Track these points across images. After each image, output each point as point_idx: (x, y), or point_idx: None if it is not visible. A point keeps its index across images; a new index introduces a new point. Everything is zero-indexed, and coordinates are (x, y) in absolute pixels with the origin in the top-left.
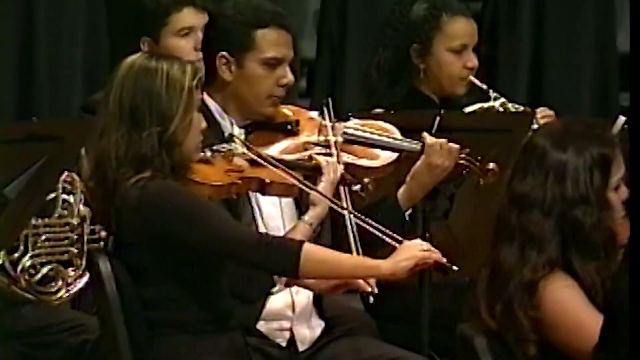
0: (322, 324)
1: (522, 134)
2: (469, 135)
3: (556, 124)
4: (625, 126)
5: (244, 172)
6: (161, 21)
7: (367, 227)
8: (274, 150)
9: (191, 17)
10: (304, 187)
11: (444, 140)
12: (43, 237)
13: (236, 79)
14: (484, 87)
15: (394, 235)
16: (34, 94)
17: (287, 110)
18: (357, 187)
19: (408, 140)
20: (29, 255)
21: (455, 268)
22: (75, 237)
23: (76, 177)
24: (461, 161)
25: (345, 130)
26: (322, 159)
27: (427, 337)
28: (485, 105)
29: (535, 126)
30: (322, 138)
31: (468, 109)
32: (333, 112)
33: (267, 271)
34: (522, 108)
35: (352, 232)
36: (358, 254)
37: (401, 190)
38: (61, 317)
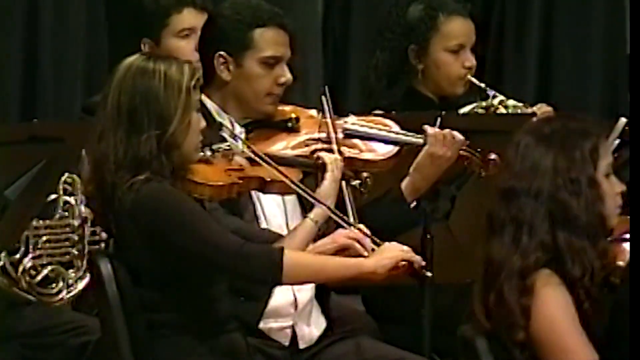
0: (325, 322)
1: None
2: (470, 137)
3: (536, 121)
4: (626, 128)
5: (244, 171)
6: (161, 22)
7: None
8: (275, 147)
9: (191, 18)
10: (297, 189)
11: (446, 130)
12: (44, 239)
13: (235, 78)
14: (482, 85)
15: (375, 238)
16: (37, 96)
17: (286, 109)
18: (356, 182)
19: (408, 134)
20: (30, 256)
21: (429, 274)
22: (76, 238)
23: (77, 179)
24: (462, 152)
25: (345, 125)
26: (326, 156)
27: (429, 338)
28: (484, 103)
29: None
30: (322, 134)
31: (466, 108)
32: (331, 104)
33: (249, 280)
34: (521, 104)
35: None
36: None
37: (405, 182)
38: (62, 318)
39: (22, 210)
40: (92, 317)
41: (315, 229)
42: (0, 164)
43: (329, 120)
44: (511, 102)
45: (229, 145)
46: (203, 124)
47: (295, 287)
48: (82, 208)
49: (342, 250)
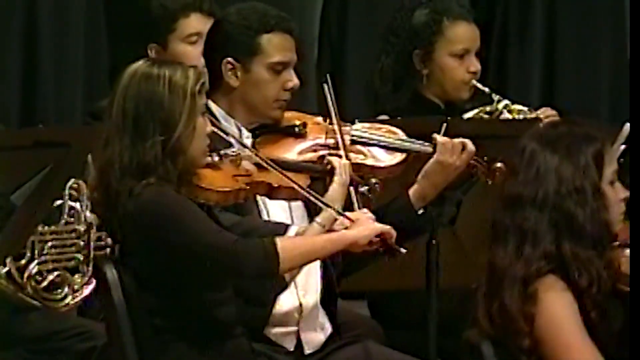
0: (330, 327)
1: None
2: (476, 142)
3: (542, 126)
4: None
5: (251, 176)
6: (169, 27)
7: None
8: (283, 153)
9: (199, 23)
10: (305, 194)
11: (456, 140)
12: (50, 244)
13: (243, 84)
14: (487, 90)
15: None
16: (37, 101)
17: (293, 115)
18: (364, 189)
19: (416, 141)
20: (35, 262)
21: (403, 250)
22: (82, 244)
23: (83, 184)
24: (469, 161)
25: (353, 131)
26: (334, 160)
27: (435, 343)
28: (488, 108)
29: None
30: (330, 140)
31: (471, 113)
32: (334, 92)
33: (248, 276)
34: (526, 109)
35: None
36: None
37: (413, 189)
38: (68, 323)
39: (28, 216)
40: (98, 323)
41: (323, 233)
42: (6, 169)
43: (331, 109)
44: (516, 106)
45: (236, 150)
46: (209, 128)
47: (301, 293)
48: (88, 214)
49: None
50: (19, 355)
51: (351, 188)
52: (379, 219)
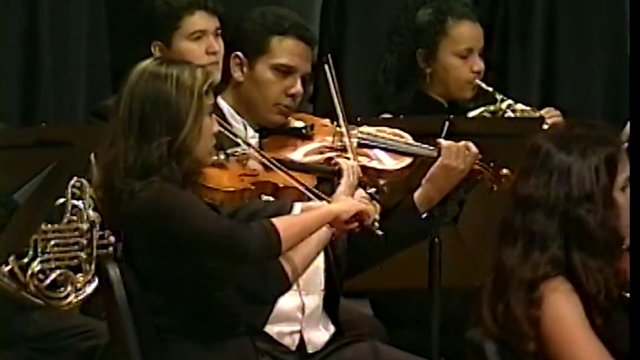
0: (333, 327)
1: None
2: (479, 141)
3: (560, 126)
4: None
5: (257, 176)
6: (173, 25)
7: None
8: (289, 154)
9: (203, 21)
10: (310, 195)
11: (461, 143)
12: (52, 243)
13: (247, 80)
14: (491, 89)
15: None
16: (38, 100)
17: (300, 116)
18: (372, 190)
19: (422, 145)
20: (38, 260)
21: (380, 233)
22: (85, 242)
23: (85, 183)
24: (475, 167)
25: (359, 134)
26: (343, 162)
27: (437, 342)
28: (492, 107)
29: (546, 126)
30: (337, 142)
31: (474, 112)
32: (335, 71)
33: (254, 260)
34: (529, 108)
35: None
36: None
37: (417, 192)
38: (70, 322)
39: (31, 214)
40: (101, 321)
41: (329, 235)
42: (9, 168)
43: (332, 89)
44: (519, 106)
45: (243, 150)
46: (216, 127)
47: (303, 292)
48: (91, 212)
49: None
50: (21, 353)
51: (359, 190)
52: (383, 222)
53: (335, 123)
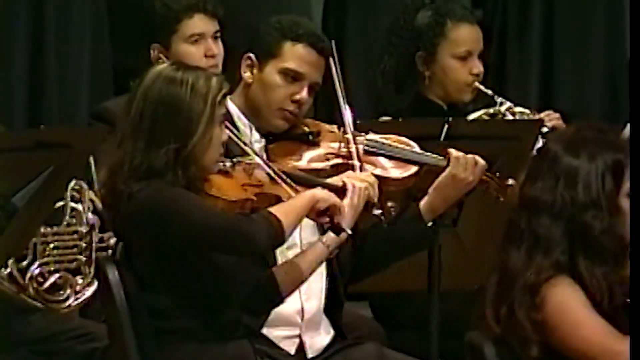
0: (332, 332)
1: (530, 142)
2: (477, 143)
3: (569, 129)
4: None
5: (262, 187)
6: (171, 28)
7: None
8: (295, 160)
9: (202, 24)
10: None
11: (470, 155)
12: (51, 245)
13: (255, 82)
14: (490, 92)
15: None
16: (42, 103)
17: (307, 122)
18: (378, 212)
19: (428, 154)
20: (37, 263)
21: (348, 232)
22: (84, 245)
23: (85, 186)
24: (482, 176)
25: (367, 141)
26: (348, 182)
27: (437, 344)
28: (491, 110)
29: (545, 129)
30: (343, 149)
31: (474, 115)
32: (337, 56)
33: (263, 250)
34: (528, 111)
35: None
36: None
37: (423, 201)
38: (69, 325)
39: (30, 217)
40: (100, 324)
41: (327, 253)
42: (8, 170)
43: (335, 77)
44: (519, 108)
45: (250, 159)
46: (225, 136)
47: (304, 297)
48: (90, 215)
49: None
50: (20, 356)
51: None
52: (387, 231)
53: (341, 130)
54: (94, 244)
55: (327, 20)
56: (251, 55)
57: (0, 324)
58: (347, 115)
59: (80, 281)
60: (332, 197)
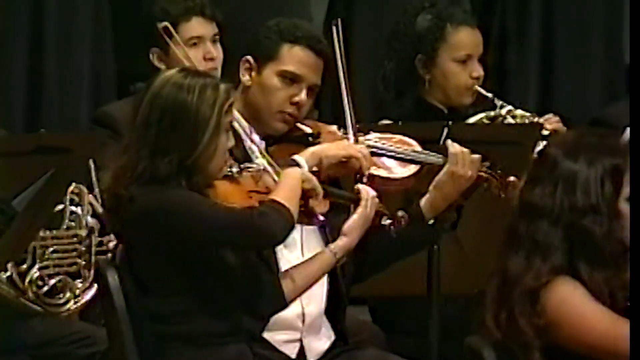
0: (333, 336)
1: (530, 146)
2: (477, 147)
3: (570, 133)
4: None
5: (267, 195)
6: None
7: None
8: None
9: (200, 27)
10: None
11: (467, 150)
12: (51, 249)
13: (254, 85)
14: (490, 96)
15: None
16: (42, 106)
17: (307, 123)
18: (387, 222)
19: (430, 153)
20: (37, 267)
21: (321, 218)
22: (83, 249)
23: (84, 189)
24: (482, 174)
25: (368, 141)
26: (363, 190)
27: (436, 349)
28: (492, 113)
29: (545, 132)
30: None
31: (475, 118)
32: (343, 37)
33: (279, 242)
34: (529, 114)
35: None
36: None
37: (424, 200)
38: (69, 329)
39: (29, 221)
40: (100, 328)
41: (334, 261)
42: (8, 174)
43: (337, 52)
44: (519, 112)
45: (258, 166)
46: (231, 143)
47: (305, 301)
48: (89, 218)
49: None
50: None
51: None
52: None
53: (342, 130)
54: (93, 248)
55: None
56: (249, 58)
57: (0, 328)
58: (350, 115)
59: (79, 285)
60: (314, 179)
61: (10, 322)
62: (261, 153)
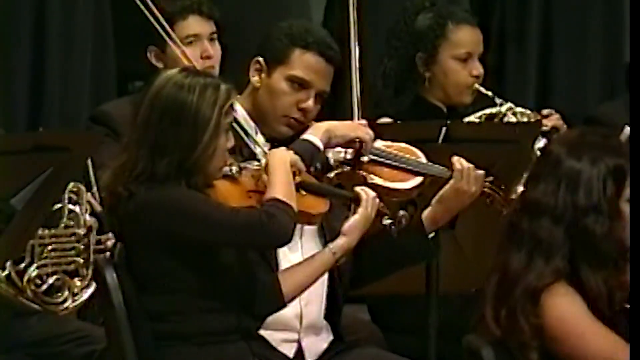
0: (331, 337)
1: (528, 145)
2: (475, 146)
3: (573, 132)
4: None
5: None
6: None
7: None
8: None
9: (197, 25)
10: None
11: (472, 166)
12: (49, 248)
13: (262, 87)
14: (490, 94)
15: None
16: (44, 106)
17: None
18: (388, 222)
19: (434, 165)
20: (35, 265)
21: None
22: (82, 247)
23: (82, 188)
24: (486, 190)
25: (372, 150)
26: (362, 191)
27: (434, 348)
28: (493, 110)
29: (545, 128)
30: (348, 156)
31: (474, 115)
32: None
33: (287, 241)
34: (529, 112)
35: None
36: None
37: (426, 212)
38: (67, 327)
39: (28, 220)
40: (98, 327)
41: (333, 261)
42: (6, 173)
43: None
44: (519, 109)
45: (258, 165)
46: (231, 143)
47: (303, 302)
48: (88, 217)
49: None
50: (18, 359)
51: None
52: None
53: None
54: (91, 246)
55: (327, 23)
56: (260, 59)
57: None
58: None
59: (78, 283)
60: (299, 161)
61: (8, 321)
62: (265, 154)
